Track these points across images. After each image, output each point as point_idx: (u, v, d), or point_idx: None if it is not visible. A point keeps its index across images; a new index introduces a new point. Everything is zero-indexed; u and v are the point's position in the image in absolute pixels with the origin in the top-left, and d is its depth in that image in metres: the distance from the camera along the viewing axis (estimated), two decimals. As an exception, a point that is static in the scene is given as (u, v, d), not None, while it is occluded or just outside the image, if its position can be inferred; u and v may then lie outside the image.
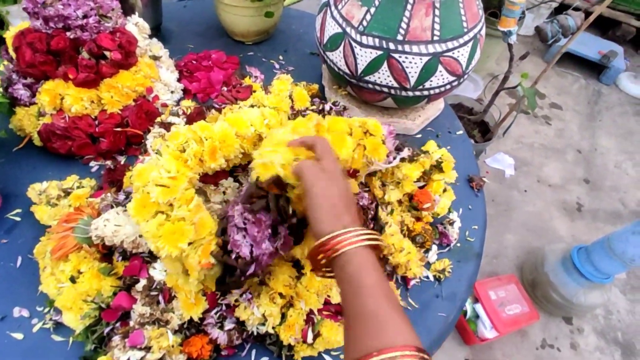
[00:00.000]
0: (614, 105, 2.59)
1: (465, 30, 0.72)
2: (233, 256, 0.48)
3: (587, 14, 1.42)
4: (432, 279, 0.67)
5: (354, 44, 0.72)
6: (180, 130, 0.53)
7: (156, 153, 0.52)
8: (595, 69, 2.72)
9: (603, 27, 2.96)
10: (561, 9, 2.66)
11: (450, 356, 1.46)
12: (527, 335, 1.54)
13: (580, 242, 1.55)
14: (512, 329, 1.45)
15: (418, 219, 0.70)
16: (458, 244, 0.72)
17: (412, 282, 0.66)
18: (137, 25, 0.79)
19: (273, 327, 0.53)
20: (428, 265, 0.68)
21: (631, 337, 1.59)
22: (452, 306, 0.65)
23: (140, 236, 0.53)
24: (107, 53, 0.70)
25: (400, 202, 0.70)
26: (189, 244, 0.46)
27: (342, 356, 0.57)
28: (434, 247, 0.69)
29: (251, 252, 0.48)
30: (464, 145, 0.89)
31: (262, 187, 0.47)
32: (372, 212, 0.62)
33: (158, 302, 0.53)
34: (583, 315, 1.62)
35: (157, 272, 0.53)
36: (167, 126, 0.64)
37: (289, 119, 0.68)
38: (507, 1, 1.14)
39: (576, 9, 1.48)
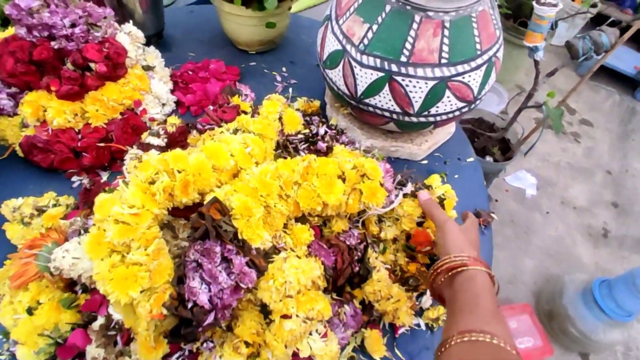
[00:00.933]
0: (650, 124, 2.43)
1: (479, 52, 0.64)
2: (190, 305, 0.43)
3: (623, 29, 1.31)
4: (423, 327, 0.61)
5: (353, 64, 0.66)
6: (151, 160, 0.48)
7: (123, 183, 0.48)
8: (630, 84, 2.55)
9: (642, 40, 2.78)
10: (598, 19, 2.50)
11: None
12: (539, 371, 1.44)
13: (604, 271, 1.44)
14: (522, 364, 1.36)
15: (412, 258, 0.64)
16: (457, 289, 0.65)
17: (401, 330, 0.59)
18: (129, 35, 0.75)
19: (237, 381, 0.48)
20: (421, 311, 0.62)
21: (654, 380, 1.47)
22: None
23: (99, 272, 0.49)
24: (92, 65, 0.67)
25: (394, 240, 0.64)
26: (142, 291, 0.42)
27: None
28: (429, 292, 0.63)
29: (210, 300, 0.43)
30: (475, 174, 0.81)
31: (201, 214, 0.45)
32: (360, 254, 0.57)
33: (115, 343, 0.49)
34: (601, 352, 1.51)
35: (117, 311, 0.49)
36: (145, 147, 0.60)
37: (277, 145, 0.63)
38: (534, 15, 1.05)
39: (612, 24, 1.36)
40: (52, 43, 0.65)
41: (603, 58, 1.33)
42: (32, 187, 0.69)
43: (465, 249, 0.49)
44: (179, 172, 0.48)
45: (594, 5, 2.24)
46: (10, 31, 0.68)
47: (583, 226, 1.88)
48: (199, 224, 0.44)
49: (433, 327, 0.61)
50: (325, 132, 0.67)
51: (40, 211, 0.62)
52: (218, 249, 0.44)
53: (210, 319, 0.43)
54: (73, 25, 0.66)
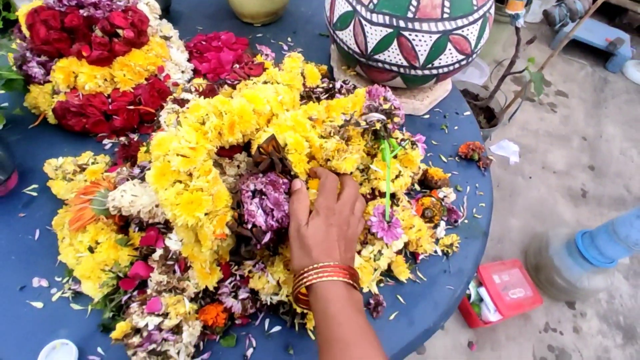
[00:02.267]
0: (620, 92, 2.58)
1: (475, 8, 0.72)
2: (249, 226, 0.49)
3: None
4: (440, 254, 0.68)
5: (364, 22, 0.73)
6: (200, 103, 0.54)
7: (177, 124, 0.53)
8: (601, 56, 2.70)
9: (610, 14, 2.94)
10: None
11: (454, 339, 1.48)
12: (531, 319, 1.56)
13: (585, 227, 1.56)
14: (515, 313, 1.47)
15: (425, 194, 0.72)
16: (466, 221, 0.73)
17: (421, 257, 0.67)
18: (148, 5, 0.79)
19: (287, 296, 0.54)
20: (436, 240, 0.69)
21: (633, 322, 1.61)
22: (459, 281, 0.66)
23: (157, 206, 0.54)
24: (119, 31, 0.71)
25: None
26: (206, 214, 0.48)
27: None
28: (442, 223, 0.71)
29: (265, 221, 0.49)
30: (472, 126, 0.89)
31: (262, 149, 0.51)
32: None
33: (174, 272, 0.54)
34: (586, 299, 1.64)
35: (173, 242, 0.54)
36: (180, 102, 0.65)
37: (301, 96, 0.69)
38: (515, -17, 1.14)
39: (585, -7, 1.46)
40: (81, 11, 0.69)
41: (576, 26, 1.43)
42: (66, 150, 0.72)
43: (308, 259, 0.46)
44: (225, 114, 0.53)
45: (565, -19, 2.36)
46: (36, 3, 0.72)
47: (563, 188, 2.01)
48: (261, 158, 0.50)
49: (448, 252, 0.68)
50: (342, 86, 0.73)
51: (81, 168, 0.66)
52: (281, 180, 0.50)
53: (266, 237, 0.50)
54: (98, -6, 0.70)
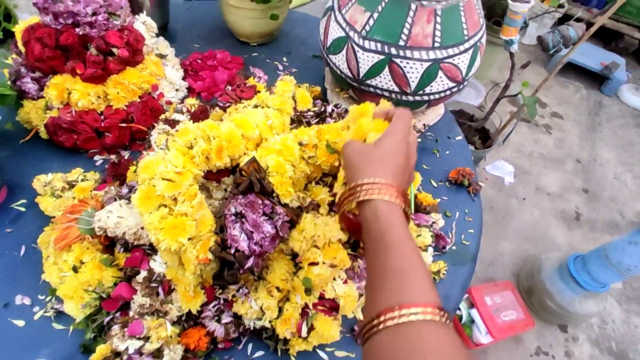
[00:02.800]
0: (615, 116, 2.61)
1: (466, 37, 0.73)
2: (232, 251, 0.49)
3: (589, 24, 1.44)
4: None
5: (356, 48, 0.74)
6: (189, 127, 0.54)
7: (164, 148, 0.53)
8: (596, 79, 2.74)
9: (606, 38, 2.99)
10: (565, 19, 2.68)
11: (444, 361, 1.46)
12: (522, 342, 1.55)
13: (577, 251, 1.56)
14: (507, 335, 1.46)
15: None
16: (454, 247, 0.73)
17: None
18: (144, 24, 0.81)
19: (270, 321, 0.54)
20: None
21: (625, 347, 1.60)
22: (445, 307, 0.66)
23: (142, 228, 0.54)
24: (114, 50, 0.72)
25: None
26: (189, 239, 0.48)
27: (337, 352, 0.59)
28: (430, 249, 0.71)
29: (249, 247, 0.50)
30: (463, 150, 0.90)
31: (243, 171, 0.52)
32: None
33: (157, 294, 0.54)
34: (578, 323, 1.63)
35: (158, 264, 0.54)
36: (171, 123, 0.66)
37: (292, 120, 0.69)
38: (509, 10, 1.16)
39: (578, 19, 1.50)
40: (77, 30, 0.69)
41: (571, 51, 1.46)
42: (56, 166, 0.73)
43: (367, 172, 0.41)
44: (214, 138, 0.54)
45: (561, 6, 2.40)
46: (34, 20, 0.72)
47: (557, 211, 2.01)
48: (241, 179, 0.51)
49: (435, 279, 0.68)
50: (333, 110, 0.74)
51: (70, 185, 0.66)
52: (260, 201, 0.50)
53: (249, 262, 0.50)
54: (95, 14, 0.71)
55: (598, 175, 2.23)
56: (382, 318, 0.33)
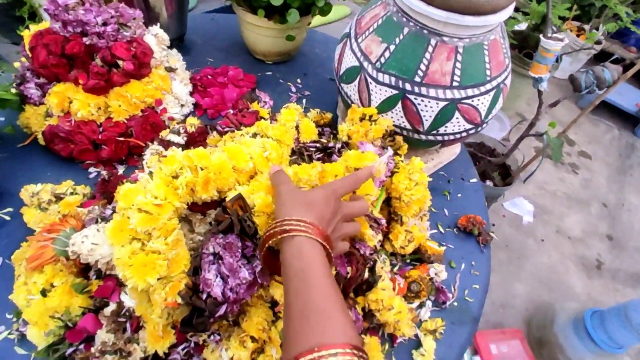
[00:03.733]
0: (648, 161, 2.48)
1: (488, 78, 0.68)
2: (204, 296, 0.45)
3: (627, 66, 1.36)
4: (421, 339, 0.62)
5: (369, 80, 0.70)
6: (176, 155, 0.51)
7: (148, 175, 0.50)
8: (630, 121, 2.61)
9: (644, 78, 2.85)
10: (601, 55, 2.58)
11: (441, 407, 1.38)
12: (527, 397, 1.45)
13: (596, 303, 1.46)
14: (510, 389, 1.37)
15: (420, 261, 0.67)
16: (455, 304, 0.67)
17: (399, 340, 0.61)
18: (156, 36, 0.79)
19: (239, 374, 0.49)
20: (419, 323, 0.63)
21: (641, 415, 1.47)
22: (440, 374, 0.60)
23: (116, 259, 0.51)
24: (120, 62, 0.70)
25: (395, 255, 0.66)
26: (159, 279, 0.44)
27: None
28: (428, 303, 0.65)
29: (223, 293, 0.45)
30: (477, 194, 0.84)
31: (226, 208, 0.48)
32: (372, 262, 0.59)
33: (124, 330, 0.50)
34: (590, 383, 1.51)
35: (128, 298, 0.50)
36: (166, 144, 0.63)
37: (292, 151, 0.65)
38: (540, 47, 1.10)
39: (615, 60, 1.42)
40: (84, 39, 0.68)
41: (605, 93, 1.38)
42: (50, 174, 0.71)
43: (296, 210, 0.43)
44: (202, 169, 0.50)
45: (598, 42, 2.31)
46: (44, 25, 0.71)
47: (577, 256, 1.90)
48: (222, 217, 0.47)
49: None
50: (343, 146, 0.69)
51: (58, 198, 0.64)
52: (239, 243, 0.46)
53: (221, 310, 0.45)
54: (105, 24, 0.69)
55: (625, 222, 2.10)
56: None
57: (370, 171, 0.54)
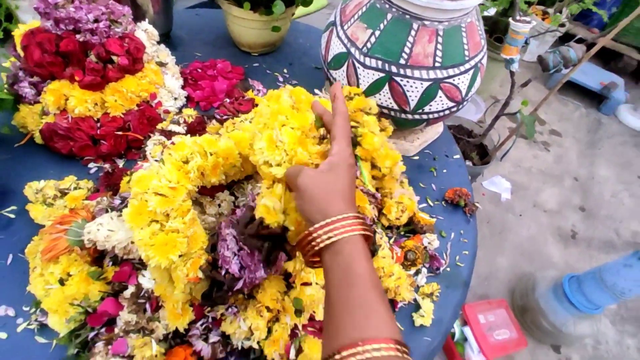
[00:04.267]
0: (614, 134, 2.61)
1: (467, 58, 0.73)
2: (222, 272, 0.48)
3: (590, 45, 1.44)
4: (420, 302, 0.67)
5: (357, 65, 0.74)
6: (186, 141, 0.53)
7: (159, 161, 0.53)
8: (595, 98, 2.75)
9: (605, 58, 3.00)
10: (566, 37, 2.70)
11: (436, 377, 1.45)
12: (515, 362, 1.54)
13: (573, 270, 1.55)
14: (499, 355, 1.45)
15: (413, 232, 0.72)
16: (448, 269, 0.72)
17: (400, 305, 0.66)
18: (146, 32, 0.80)
19: (258, 342, 0.53)
20: (417, 288, 0.68)
21: (618, 369, 1.58)
22: (437, 332, 0.65)
23: (132, 242, 0.53)
24: (114, 58, 0.71)
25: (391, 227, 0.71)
26: (180, 256, 0.47)
27: None
28: (424, 270, 0.70)
29: (240, 269, 0.49)
30: (460, 170, 0.90)
31: (264, 229, 0.47)
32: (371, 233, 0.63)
33: (145, 311, 0.53)
34: (572, 344, 1.62)
35: (146, 280, 0.53)
36: (167, 134, 0.65)
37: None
38: (510, 30, 1.16)
39: (579, 40, 1.50)
40: (77, 36, 0.69)
41: (571, 71, 1.46)
42: (51, 172, 0.72)
43: (329, 207, 0.40)
44: (211, 154, 0.53)
45: (562, 25, 2.42)
46: (34, 24, 0.72)
47: (553, 228, 2.01)
48: (260, 231, 0.47)
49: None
50: None
51: (62, 193, 0.65)
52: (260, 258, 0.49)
53: (239, 284, 0.49)
54: (96, 21, 0.71)
55: (595, 193, 2.23)
56: (343, 353, 0.33)
57: (337, 88, 0.47)
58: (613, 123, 2.70)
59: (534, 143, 2.41)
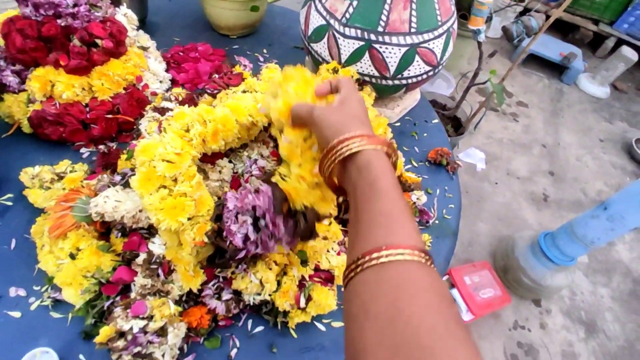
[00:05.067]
0: (575, 103, 2.76)
1: (440, 23, 0.78)
2: (227, 243, 0.51)
3: (549, 17, 1.53)
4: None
5: (337, 35, 0.77)
6: (185, 111, 0.55)
7: (160, 132, 0.55)
8: (556, 69, 2.89)
9: (564, 30, 3.15)
10: (525, 12, 2.81)
11: (429, 340, 1.52)
12: (500, 318, 1.63)
13: (547, 229, 1.65)
14: (486, 312, 1.54)
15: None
16: (436, 221, 0.77)
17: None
18: (126, 16, 0.81)
19: (269, 295, 0.56)
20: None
21: (593, 316, 1.71)
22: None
23: (140, 211, 0.55)
24: (98, 41, 0.72)
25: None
26: (188, 219, 0.49)
27: (333, 323, 0.61)
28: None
29: (244, 242, 0.51)
30: (439, 133, 0.95)
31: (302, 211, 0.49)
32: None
33: (158, 275, 0.55)
34: (550, 297, 1.73)
35: (157, 246, 0.55)
36: (161, 111, 0.67)
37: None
38: (475, 1, 1.22)
39: (538, 12, 1.58)
40: (59, 21, 0.69)
41: (532, 40, 1.54)
42: (42, 159, 0.72)
43: (348, 127, 0.41)
44: (210, 122, 0.55)
45: (522, 0, 2.52)
46: (10, 13, 0.71)
47: (526, 193, 2.12)
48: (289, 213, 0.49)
49: (420, 251, 0.72)
50: None
51: (59, 177, 0.66)
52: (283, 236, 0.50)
53: (241, 255, 0.51)
54: (76, 5, 0.71)
55: (562, 158, 2.36)
56: (367, 258, 0.33)
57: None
58: (574, 91, 2.85)
59: (503, 115, 2.52)
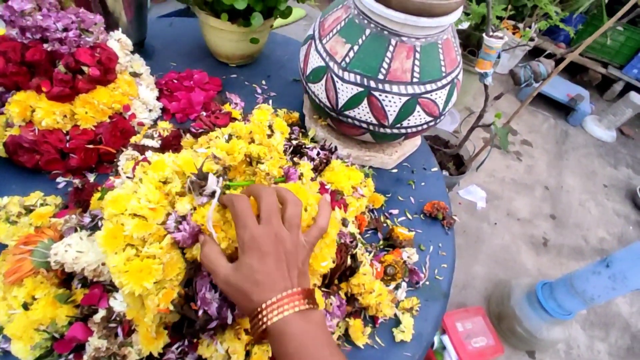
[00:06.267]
0: (580, 146, 2.73)
1: (444, 74, 0.74)
2: (200, 312, 0.47)
3: (558, 60, 1.51)
4: (400, 317, 0.67)
5: (336, 79, 0.74)
6: (166, 160, 0.51)
7: (134, 179, 0.50)
8: (563, 110, 2.87)
9: (572, 71, 3.15)
10: (534, 51, 2.81)
11: (415, 388, 1.45)
12: (491, 369, 1.56)
13: (546, 276, 1.60)
14: (477, 362, 1.47)
15: (392, 247, 0.72)
16: (427, 282, 0.72)
17: (380, 320, 0.65)
18: (119, 42, 0.78)
19: (235, 365, 0.51)
20: (397, 303, 0.68)
21: (589, 374, 1.63)
22: (418, 346, 0.65)
23: (103, 264, 0.51)
24: (85, 68, 0.69)
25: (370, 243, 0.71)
26: (155, 282, 0.45)
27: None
28: (404, 285, 0.70)
29: (219, 311, 0.47)
30: (438, 182, 0.91)
31: None
32: (352, 250, 0.62)
33: (116, 335, 0.50)
34: (545, 349, 1.66)
35: (118, 302, 0.51)
36: (140, 148, 0.63)
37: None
38: (484, 45, 1.20)
39: (548, 56, 1.56)
40: (45, 45, 0.66)
41: (541, 85, 1.52)
42: (14, 187, 0.68)
43: (250, 296, 0.40)
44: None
45: (531, 39, 2.52)
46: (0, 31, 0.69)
47: (526, 236, 2.07)
48: None
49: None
50: (318, 154, 0.72)
51: (28, 210, 0.62)
52: None
53: (213, 324, 0.47)
54: (66, 30, 0.68)
55: (564, 202, 2.31)
56: None
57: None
58: (579, 134, 2.82)
59: (507, 153, 2.49)
